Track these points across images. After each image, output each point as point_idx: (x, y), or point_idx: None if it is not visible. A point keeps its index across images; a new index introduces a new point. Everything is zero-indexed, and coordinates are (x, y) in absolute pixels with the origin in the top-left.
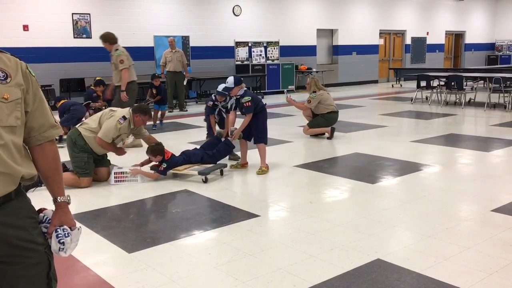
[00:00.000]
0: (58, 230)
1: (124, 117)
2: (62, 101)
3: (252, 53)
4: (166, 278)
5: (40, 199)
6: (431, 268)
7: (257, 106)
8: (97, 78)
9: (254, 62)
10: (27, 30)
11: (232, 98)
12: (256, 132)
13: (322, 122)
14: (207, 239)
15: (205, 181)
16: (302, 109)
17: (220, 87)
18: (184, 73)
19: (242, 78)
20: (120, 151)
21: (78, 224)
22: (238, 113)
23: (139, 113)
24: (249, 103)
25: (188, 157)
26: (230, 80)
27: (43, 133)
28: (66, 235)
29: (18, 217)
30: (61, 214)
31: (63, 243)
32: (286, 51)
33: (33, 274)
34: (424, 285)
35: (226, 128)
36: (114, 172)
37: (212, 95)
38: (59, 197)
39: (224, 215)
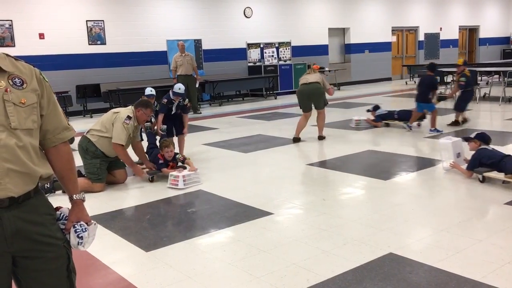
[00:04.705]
0: (76, 226)
1: (128, 117)
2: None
3: (264, 54)
4: (183, 275)
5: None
6: (443, 260)
7: None
8: None
9: (267, 63)
10: (43, 38)
11: (175, 102)
12: (181, 127)
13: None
14: (222, 237)
15: (152, 180)
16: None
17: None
18: (195, 76)
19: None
20: (136, 169)
21: (93, 220)
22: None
23: (141, 107)
24: (189, 104)
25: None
26: (182, 87)
27: (57, 135)
28: (84, 230)
29: (37, 214)
30: (77, 211)
31: (81, 238)
32: (298, 51)
33: (53, 268)
34: (436, 277)
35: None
36: (183, 175)
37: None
38: (74, 195)
39: (238, 213)
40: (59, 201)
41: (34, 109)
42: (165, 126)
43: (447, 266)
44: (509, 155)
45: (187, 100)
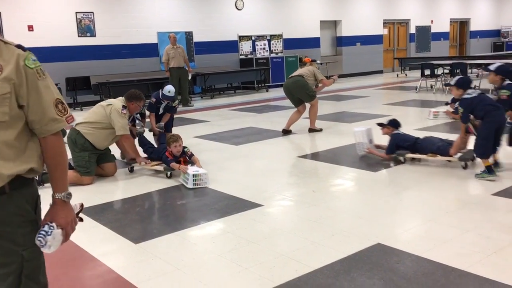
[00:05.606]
0: (45, 226)
1: (124, 106)
2: None
3: (256, 47)
4: (172, 267)
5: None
6: (430, 250)
7: None
8: None
9: (258, 55)
10: (32, 30)
11: (164, 103)
12: (171, 125)
13: None
14: (211, 229)
15: (170, 176)
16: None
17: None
18: (186, 68)
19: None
20: (140, 160)
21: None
22: None
23: (134, 100)
24: (177, 106)
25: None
26: (172, 90)
27: (44, 127)
28: (49, 233)
29: (3, 211)
30: (53, 211)
31: (39, 241)
32: (290, 43)
33: (1, 273)
34: (423, 267)
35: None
36: (194, 175)
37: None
38: (56, 194)
39: (228, 205)
40: (49, 194)
41: (5, 100)
42: (162, 124)
43: (434, 256)
44: (418, 138)
45: (176, 102)
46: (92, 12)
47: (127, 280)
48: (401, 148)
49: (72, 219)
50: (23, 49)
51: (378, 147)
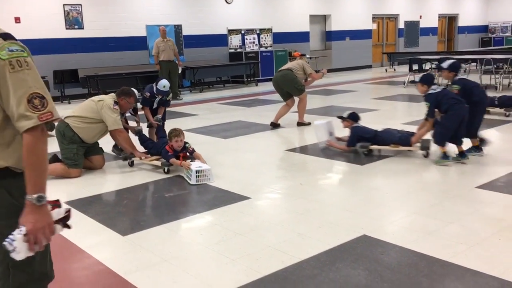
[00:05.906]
0: (16, 230)
1: (115, 102)
2: None
3: (245, 41)
4: (159, 258)
5: None
6: (414, 242)
7: None
8: None
9: (248, 49)
10: (19, 22)
11: (158, 97)
12: (164, 118)
13: None
14: (199, 221)
15: (167, 171)
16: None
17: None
18: (176, 61)
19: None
20: (139, 154)
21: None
22: None
23: (124, 96)
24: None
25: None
26: (167, 84)
27: (15, 123)
28: (13, 239)
29: None
30: (23, 213)
31: (5, 245)
32: (279, 38)
33: None
34: (407, 257)
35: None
36: (196, 171)
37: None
38: (27, 195)
39: (216, 198)
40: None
41: None
42: (160, 116)
43: (418, 247)
44: (377, 130)
45: (170, 95)
46: (80, 5)
47: (114, 272)
48: (363, 140)
49: (44, 226)
50: (4, 37)
51: (339, 139)
